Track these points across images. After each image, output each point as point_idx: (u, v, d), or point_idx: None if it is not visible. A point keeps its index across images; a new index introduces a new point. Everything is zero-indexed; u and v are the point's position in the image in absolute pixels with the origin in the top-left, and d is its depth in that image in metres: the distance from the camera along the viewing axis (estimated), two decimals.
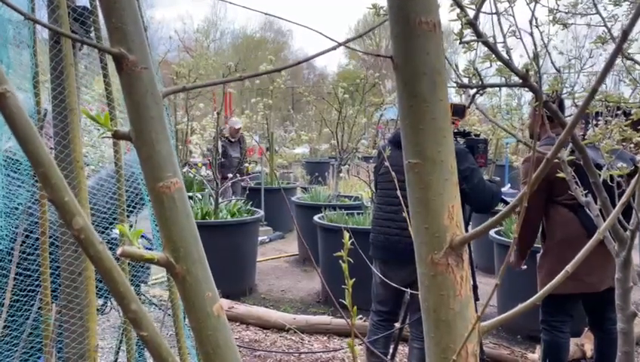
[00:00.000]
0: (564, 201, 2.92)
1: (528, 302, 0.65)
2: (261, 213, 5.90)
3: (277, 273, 6.20)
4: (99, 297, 2.08)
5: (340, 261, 0.66)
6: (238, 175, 7.19)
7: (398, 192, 1.09)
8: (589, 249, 0.68)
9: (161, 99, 0.62)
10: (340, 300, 0.78)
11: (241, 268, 5.35)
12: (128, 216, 1.77)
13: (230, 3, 0.84)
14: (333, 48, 0.70)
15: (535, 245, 3.18)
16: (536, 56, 1.63)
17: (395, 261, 3.03)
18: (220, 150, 7.13)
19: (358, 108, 7.00)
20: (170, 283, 1.99)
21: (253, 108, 8.51)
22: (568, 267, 0.64)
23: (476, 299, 3.45)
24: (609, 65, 0.59)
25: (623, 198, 0.98)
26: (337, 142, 7.03)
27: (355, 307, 0.65)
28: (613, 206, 2.11)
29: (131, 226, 1.99)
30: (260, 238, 6.30)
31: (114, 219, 1.69)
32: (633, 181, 1.18)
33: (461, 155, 2.93)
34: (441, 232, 0.65)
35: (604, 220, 2.10)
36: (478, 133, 3.29)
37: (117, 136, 0.64)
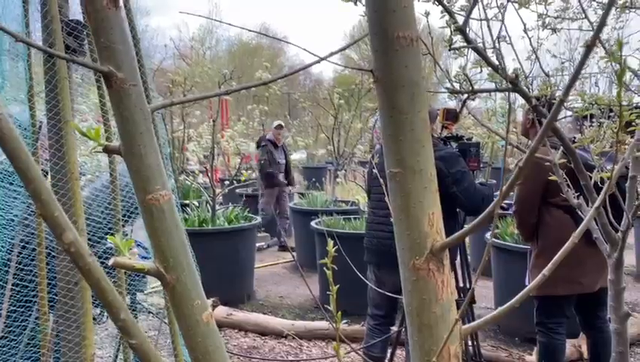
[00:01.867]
0: (558, 203, 2.94)
1: (506, 305, 0.67)
2: (258, 219, 5.92)
3: (275, 279, 6.21)
4: (95, 306, 2.10)
5: (325, 268, 0.68)
6: (285, 183, 6.90)
7: (387, 198, 1.11)
8: (564, 252, 0.70)
9: (149, 115, 0.64)
10: (325, 307, 0.80)
11: (239, 275, 5.36)
12: (124, 226, 1.79)
13: (225, 23, 0.87)
14: (317, 62, 0.73)
15: (527, 246, 3.21)
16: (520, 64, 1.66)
17: (388, 265, 3.05)
18: (266, 156, 6.86)
19: (353, 114, 7.03)
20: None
21: (250, 115, 8.54)
22: (545, 271, 0.67)
23: (472, 301, 3.48)
24: (577, 71, 0.61)
25: (597, 202, 1.00)
26: (334, 148, 7.06)
27: (340, 312, 0.67)
28: (605, 207, 2.15)
29: (127, 235, 2.01)
30: (257, 245, 6.31)
31: (109, 228, 1.70)
32: (606, 184, 1.20)
33: (452, 159, 2.95)
34: (422, 238, 0.67)
35: (596, 222, 2.13)
36: (471, 136, 3.32)
37: (107, 150, 0.66)
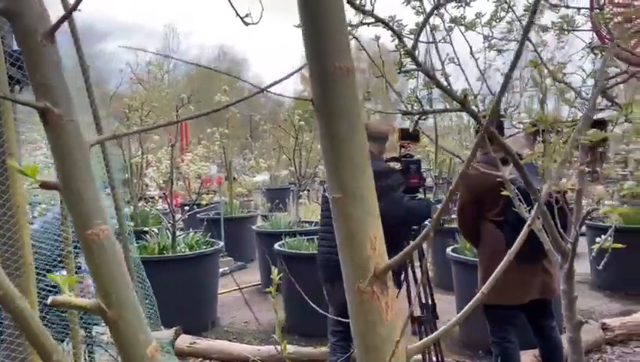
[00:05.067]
0: (490, 218, 3.12)
1: (445, 327, 0.69)
2: (221, 244, 5.83)
3: (239, 304, 6.11)
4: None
5: (270, 294, 0.69)
6: None
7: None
8: (502, 268, 0.73)
9: (87, 150, 0.64)
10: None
11: (202, 302, 5.25)
12: (75, 257, 1.74)
13: (179, 60, 0.87)
14: (259, 92, 0.74)
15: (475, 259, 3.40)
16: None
17: (338, 280, 3.07)
18: None
19: (314, 135, 7.09)
20: None
21: (210, 138, 8.48)
22: (483, 288, 0.69)
23: (435, 317, 3.52)
24: (503, 88, 0.65)
25: (529, 221, 1.05)
26: (295, 169, 7.07)
27: (284, 340, 0.67)
28: (554, 220, 2.24)
29: (79, 267, 1.95)
30: (220, 270, 6.21)
31: (59, 261, 1.65)
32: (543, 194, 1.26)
33: (381, 174, 3.07)
34: (365, 262, 0.69)
35: (547, 235, 2.22)
36: (412, 155, 3.47)
37: (45, 186, 0.65)
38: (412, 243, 0.70)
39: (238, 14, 1.15)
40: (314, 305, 1.30)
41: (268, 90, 0.73)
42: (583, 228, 6.47)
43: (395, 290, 0.70)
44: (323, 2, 0.65)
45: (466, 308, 0.69)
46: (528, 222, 1.07)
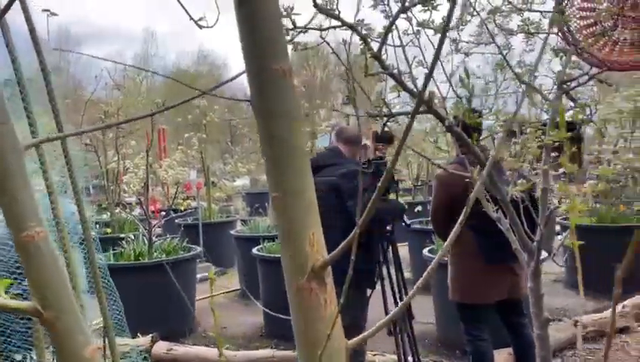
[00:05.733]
0: (459, 218, 3.19)
1: (382, 321, 0.71)
2: (198, 249, 5.79)
3: (218, 310, 6.07)
4: (15, 352, 1.98)
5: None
6: None
7: None
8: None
9: (22, 153, 0.64)
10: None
11: (179, 308, 5.20)
12: None
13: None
14: (199, 96, 0.75)
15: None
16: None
17: None
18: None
19: None
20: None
21: (188, 143, 8.43)
22: (416, 286, 0.71)
23: (411, 316, 3.55)
24: (423, 89, 0.67)
25: (458, 224, 1.07)
26: None
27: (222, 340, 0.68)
28: (520, 219, 2.28)
29: None
30: (199, 276, 6.17)
31: (17, 267, 1.63)
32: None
33: (350, 175, 3.11)
34: (303, 259, 0.70)
35: (514, 234, 2.26)
36: (383, 157, 3.53)
37: None
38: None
39: (191, 18, 1.15)
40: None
41: (209, 92, 0.74)
42: (558, 228, 6.59)
43: (333, 287, 0.72)
44: (257, 3, 0.67)
45: (395, 310, 0.70)
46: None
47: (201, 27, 1.13)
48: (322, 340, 0.69)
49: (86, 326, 0.67)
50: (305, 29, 1.72)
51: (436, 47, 0.72)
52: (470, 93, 1.86)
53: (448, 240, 0.83)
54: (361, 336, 0.74)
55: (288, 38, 1.73)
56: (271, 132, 0.70)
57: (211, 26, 1.15)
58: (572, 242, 2.00)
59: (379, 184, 3.26)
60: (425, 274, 0.74)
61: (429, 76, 0.75)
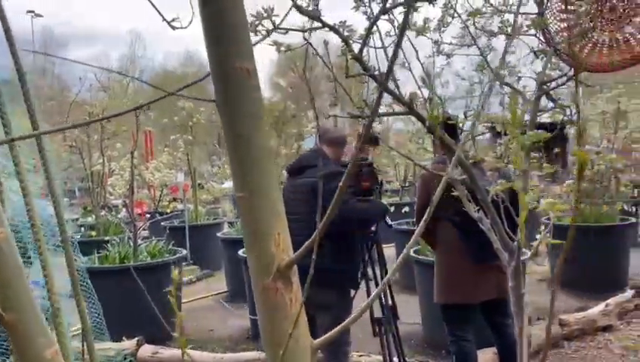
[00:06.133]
0: (444, 217, 3.21)
1: (350, 319, 0.71)
2: (184, 251, 5.76)
3: (205, 312, 6.04)
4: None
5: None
6: None
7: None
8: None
9: None
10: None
11: (165, 311, 5.16)
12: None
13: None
14: (166, 96, 0.75)
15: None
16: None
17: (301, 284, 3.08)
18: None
19: (279, 141, 7.09)
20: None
21: (174, 145, 8.39)
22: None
23: (396, 317, 3.56)
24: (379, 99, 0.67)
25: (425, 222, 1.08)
26: None
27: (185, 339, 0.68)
28: (501, 219, 2.30)
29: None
30: (185, 279, 6.14)
31: None
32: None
33: (331, 176, 3.05)
34: (269, 259, 0.70)
35: (495, 234, 2.27)
36: (366, 158, 3.50)
37: None
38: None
39: (164, 19, 1.15)
40: None
41: (177, 93, 0.73)
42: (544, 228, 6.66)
43: (299, 286, 0.72)
44: (223, 2, 0.67)
45: (362, 308, 0.71)
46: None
47: (174, 28, 1.13)
48: (287, 339, 0.69)
49: (47, 329, 0.66)
50: (285, 30, 1.72)
51: (396, 38, 0.72)
52: (434, 93, 1.87)
53: (416, 232, 0.84)
54: (326, 336, 0.74)
55: (269, 38, 1.73)
56: (236, 132, 0.70)
57: (185, 27, 1.14)
58: (549, 241, 2.02)
59: (364, 184, 3.23)
60: (393, 268, 0.74)
61: (390, 68, 0.75)
